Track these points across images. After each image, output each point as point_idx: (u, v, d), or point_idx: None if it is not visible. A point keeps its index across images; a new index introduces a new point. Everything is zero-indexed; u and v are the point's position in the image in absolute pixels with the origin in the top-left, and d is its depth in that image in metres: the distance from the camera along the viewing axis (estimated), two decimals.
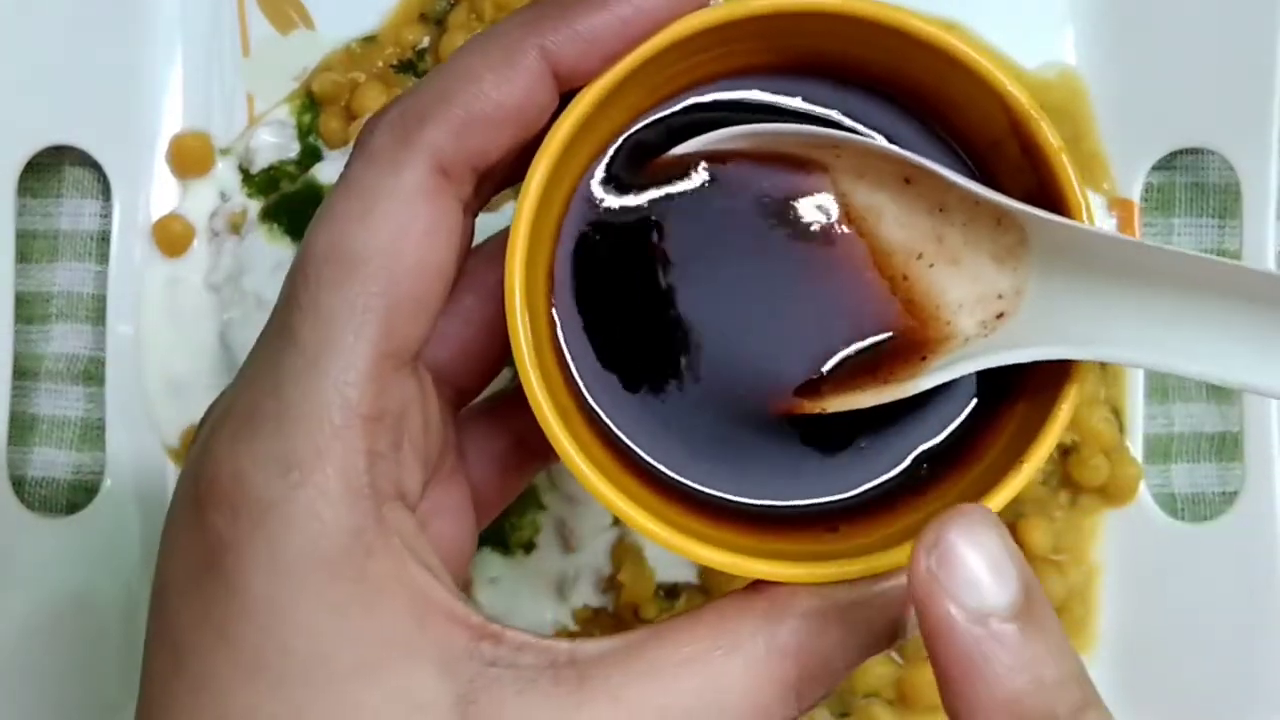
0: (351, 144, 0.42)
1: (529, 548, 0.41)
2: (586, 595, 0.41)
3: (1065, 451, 0.41)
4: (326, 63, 0.43)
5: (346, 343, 0.23)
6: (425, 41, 0.43)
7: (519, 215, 0.25)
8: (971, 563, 0.21)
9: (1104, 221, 0.42)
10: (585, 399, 0.27)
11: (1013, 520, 0.41)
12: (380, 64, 0.43)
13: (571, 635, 0.41)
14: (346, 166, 0.25)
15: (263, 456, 0.23)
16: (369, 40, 0.43)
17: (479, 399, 0.30)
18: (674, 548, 0.24)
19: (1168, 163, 0.42)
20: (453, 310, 0.27)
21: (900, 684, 0.41)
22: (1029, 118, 0.26)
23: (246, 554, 0.22)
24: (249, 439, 0.23)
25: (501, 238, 0.25)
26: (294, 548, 0.22)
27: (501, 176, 0.27)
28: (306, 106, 0.43)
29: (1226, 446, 0.42)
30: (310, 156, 0.43)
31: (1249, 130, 0.39)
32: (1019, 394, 0.27)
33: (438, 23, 0.43)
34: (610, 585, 0.41)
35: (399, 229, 0.24)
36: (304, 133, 0.43)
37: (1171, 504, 0.42)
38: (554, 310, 0.27)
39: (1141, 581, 0.41)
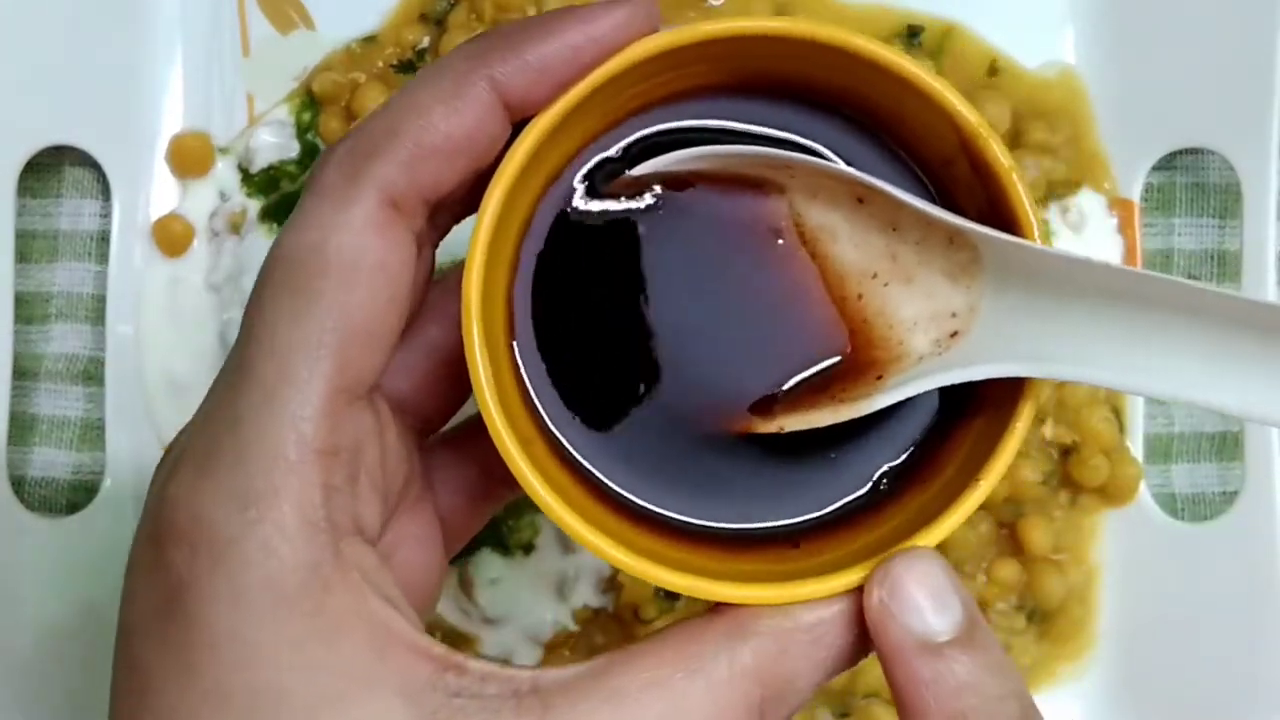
0: None
1: (528, 549, 0.41)
2: (586, 595, 0.41)
3: (1065, 451, 0.41)
4: (326, 63, 0.43)
5: (301, 378, 0.23)
6: (425, 41, 0.43)
7: (474, 247, 0.25)
8: (917, 594, 0.24)
9: (1104, 221, 0.42)
10: (546, 425, 0.27)
11: (1013, 520, 0.41)
12: (380, 64, 0.43)
13: (570, 635, 0.41)
14: (299, 205, 0.25)
15: (220, 493, 0.23)
16: (369, 40, 0.43)
17: (446, 427, 0.30)
18: (636, 572, 0.24)
19: (1168, 163, 0.42)
20: (416, 341, 0.28)
21: None
22: (978, 136, 0.26)
23: (207, 591, 0.23)
24: (206, 476, 0.23)
25: (462, 268, 0.25)
26: (253, 584, 0.22)
27: (459, 207, 0.27)
28: (306, 105, 0.43)
29: (1227, 446, 0.42)
30: (310, 155, 0.43)
31: (1249, 130, 0.39)
32: (976, 409, 0.27)
33: (438, 23, 0.43)
34: (610, 585, 0.41)
35: (350, 263, 0.24)
36: (303, 130, 0.43)
37: (1171, 504, 0.42)
38: (514, 339, 0.27)
39: (1141, 581, 0.41)
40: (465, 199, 0.26)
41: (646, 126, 0.28)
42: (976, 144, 0.26)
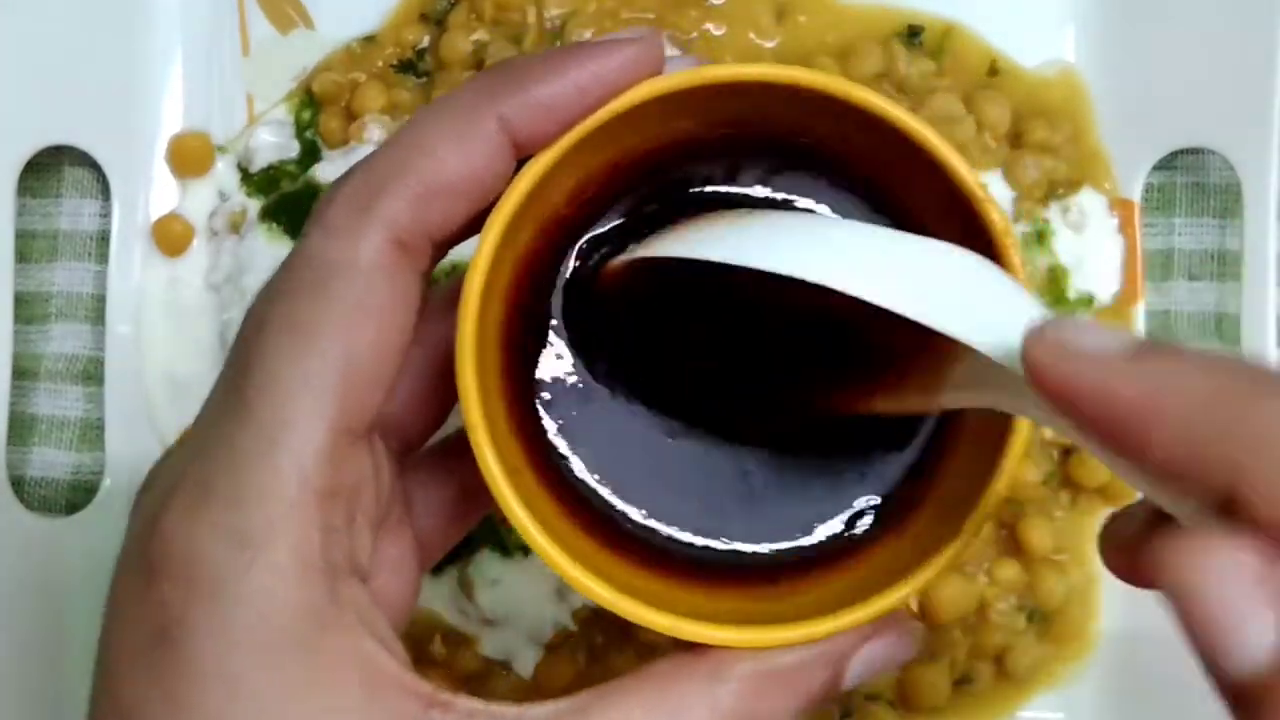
0: (350, 144, 0.42)
1: (528, 550, 0.41)
2: None
3: (1066, 452, 0.41)
4: (326, 63, 0.43)
5: (303, 418, 0.23)
6: (425, 41, 0.43)
7: (467, 293, 0.25)
8: (1084, 331, 0.20)
9: (1105, 221, 0.42)
10: (539, 447, 0.27)
11: (1013, 520, 0.41)
12: (380, 64, 0.43)
13: (570, 635, 0.41)
14: (303, 236, 0.25)
15: (217, 530, 0.23)
16: (369, 40, 0.43)
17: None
18: (622, 612, 0.25)
19: (1168, 163, 0.42)
20: (404, 364, 0.28)
21: (902, 685, 0.41)
22: (975, 197, 0.25)
23: (201, 628, 0.22)
24: (203, 511, 0.23)
25: (450, 290, 0.25)
26: (248, 623, 0.22)
27: (456, 239, 0.27)
28: (305, 103, 0.43)
29: None
30: (309, 154, 0.43)
31: (1249, 130, 0.39)
32: (954, 452, 0.27)
33: (438, 23, 0.43)
34: None
35: (356, 304, 0.24)
36: (302, 130, 0.43)
37: None
38: (503, 364, 0.27)
39: None
40: (464, 233, 0.26)
41: (646, 182, 0.28)
42: (976, 207, 0.26)
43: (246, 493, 0.23)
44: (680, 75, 0.25)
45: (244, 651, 0.22)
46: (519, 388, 0.28)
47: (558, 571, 0.25)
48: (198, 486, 0.23)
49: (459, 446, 0.29)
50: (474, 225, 0.26)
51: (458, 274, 0.30)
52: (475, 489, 0.29)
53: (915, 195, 0.27)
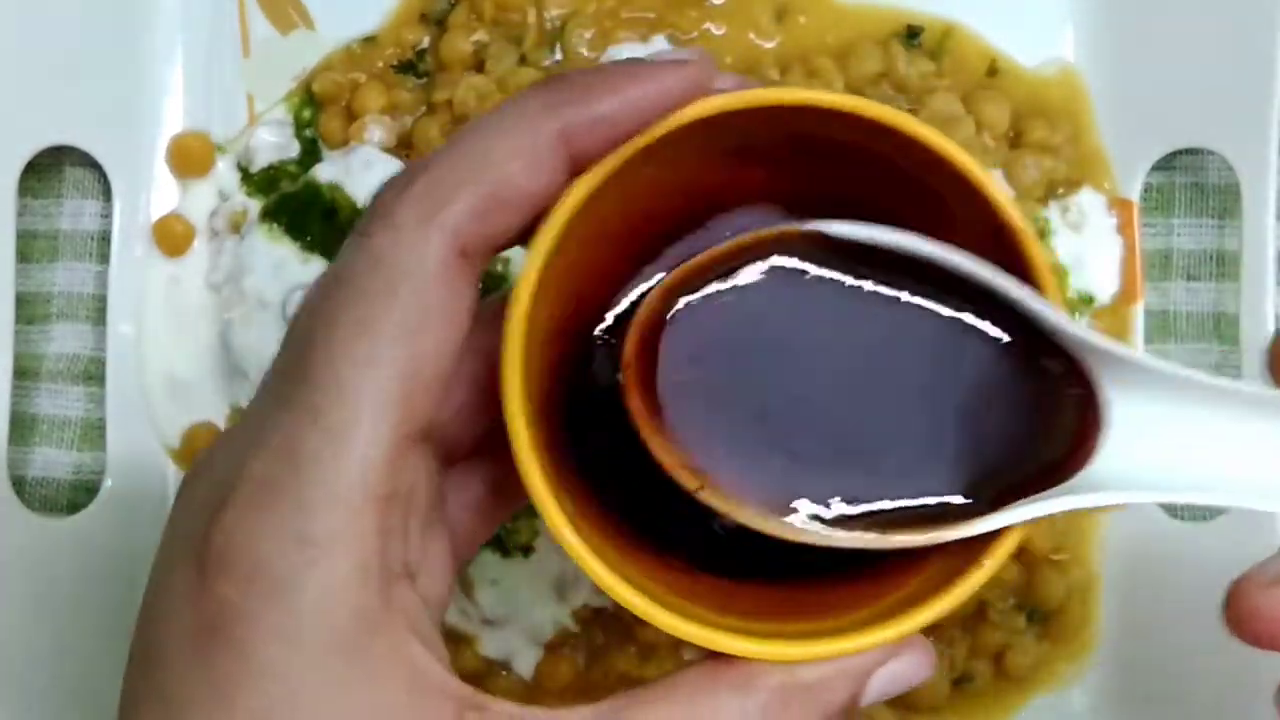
0: (350, 144, 0.42)
1: (527, 550, 0.41)
2: (586, 595, 0.41)
3: None
4: (326, 63, 0.43)
5: (369, 424, 0.24)
6: (425, 41, 0.43)
7: (514, 309, 0.25)
8: None
9: (1104, 221, 0.42)
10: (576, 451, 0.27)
11: None
12: (380, 64, 0.43)
13: (570, 635, 0.41)
14: (367, 234, 0.25)
15: (280, 532, 0.23)
16: (369, 40, 0.43)
17: None
18: (657, 622, 0.25)
19: (1167, 163, 0.42)
20: (457, 372, 0.28)
21: None
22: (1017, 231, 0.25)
23: (258, 625, 0.23)
24: (266, 512, 0.23)
25: (501, 300, 0.25)
26: (305, 623, 0.23)
27: (507, 246, 0.27)
28: (305, 103, 0.43)
29: None
30: (309, 154, 0.43)
31: (1249, 130, 0.39)
32: None
33: (438, 23, 0.43)
34: None
35: (423, 309, 0.24)
36: (301, 128, 0.43)
37: (1172, 504, 0.42)
38: (548, 369, 0.27)
39: (1141, 581, 0.41)
40: (515, 241, 0.26)
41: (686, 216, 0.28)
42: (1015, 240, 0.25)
43: (313, 495, 0.23)
44: (735, 96, 0.25)
45: (301, 652, 0.23)
46: (559, 394, 0.28)
47: (616, 597, 0.25)
48: (258, 485, 0.24)
49: (490, 445, 0.29)
50: (525, 234, 0.26)
51: (508, 287, 0.30)
52: (505, 487, 0.29)
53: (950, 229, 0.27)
